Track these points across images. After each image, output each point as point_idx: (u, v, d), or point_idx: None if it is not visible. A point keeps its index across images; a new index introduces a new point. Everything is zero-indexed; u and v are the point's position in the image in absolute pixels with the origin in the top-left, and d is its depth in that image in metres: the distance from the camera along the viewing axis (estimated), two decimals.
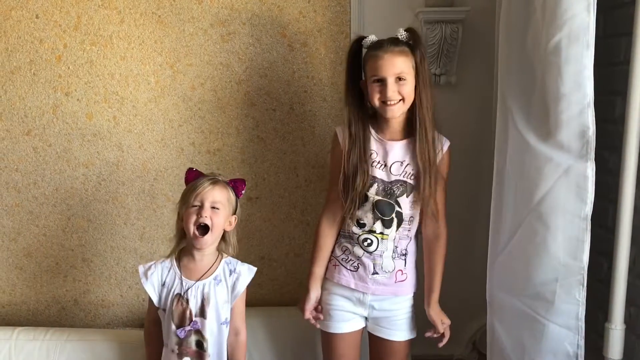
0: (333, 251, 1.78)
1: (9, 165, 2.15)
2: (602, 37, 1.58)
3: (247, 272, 1.72)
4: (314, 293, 1.78)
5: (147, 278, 1.68)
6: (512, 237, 1.62)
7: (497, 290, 1.71)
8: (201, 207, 1.63)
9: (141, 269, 1.71)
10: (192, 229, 1.63)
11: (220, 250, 1.73)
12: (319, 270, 1.78)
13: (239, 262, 1.74)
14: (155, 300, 1.69)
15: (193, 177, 1.71)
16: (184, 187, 2.16)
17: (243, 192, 1.75)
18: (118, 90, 2.11)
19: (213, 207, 1.64)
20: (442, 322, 1.77)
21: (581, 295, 1.50)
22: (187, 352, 1.67)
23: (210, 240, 1.65)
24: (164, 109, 2.12)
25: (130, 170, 2.16)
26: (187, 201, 1.66)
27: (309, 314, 1.78)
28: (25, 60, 2.09)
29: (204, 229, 1.63)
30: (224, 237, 1.72)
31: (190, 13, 2.07)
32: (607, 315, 1.59)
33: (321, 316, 1.78)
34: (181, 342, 1.66)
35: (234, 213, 1.71)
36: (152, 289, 1.68)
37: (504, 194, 1.65)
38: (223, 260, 1.72)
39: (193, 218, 1.63)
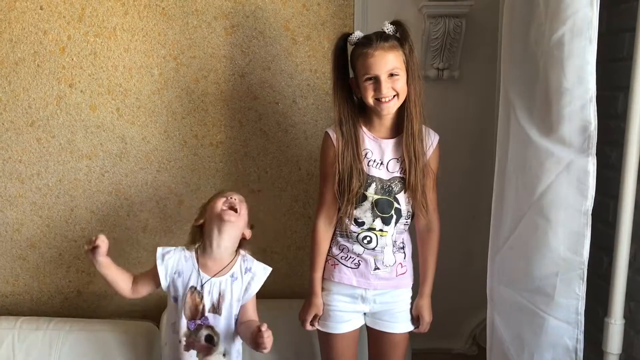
0: (330, 250, 1.77)
1: (12, 156, 2.16)
2: (605, 33, 1.58)
3: (262, 273, 1.74)
4: (320, 300, 1.77)
5: (162, 260, 1.70)
6: (513, 231, 1.62)
7: (497, 284, 1.71)
8: (228, 198, 1.68)
9: (160, 250, 1.72)
10: (219, 206, 1.65)
11: (238, 249, 1.74)
12: (320, 275, 1.78)
13: (255, 260, 1.76)
14: (164, 285, 1.70)
15: None
16: (186, 179, 2.18)
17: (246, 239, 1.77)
18: (122, 82, 2.11)
19: (240, 201, 1.69)
20: (424, 317, 1.78)
21: (581, 289, 1.51)
22: (194, 345, 1.67)
23: (235, 219, 1.65)
24: (167, 101, 2.13)
25: (134, 162, 2.17)
26: (213, 199, 1.71)
27: (310, 325, 1.78)
28: (30, 52, 2.09)
29: (233, 209, 1.66)
30: (241, 243, 1.74)
31: (194, 6, 2.07)
32: (606, 310, 1.59)
33: (317, 321, 1.79)
34: (189, 334, 1.67)
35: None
36: (163, 272, 1.69)
37: (505, 188, 1.65)
38: (240, 257, 1.73)
39: (222, 200, 1.67)
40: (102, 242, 1.62)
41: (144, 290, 1.74)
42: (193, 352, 1.67)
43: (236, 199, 1.69)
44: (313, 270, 1.77)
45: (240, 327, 1.71)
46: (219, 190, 1.82)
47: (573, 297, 1.52)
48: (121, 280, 1.71)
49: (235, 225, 1.67)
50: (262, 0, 2.07)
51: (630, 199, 1.52)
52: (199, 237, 1.72)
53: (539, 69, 1.50)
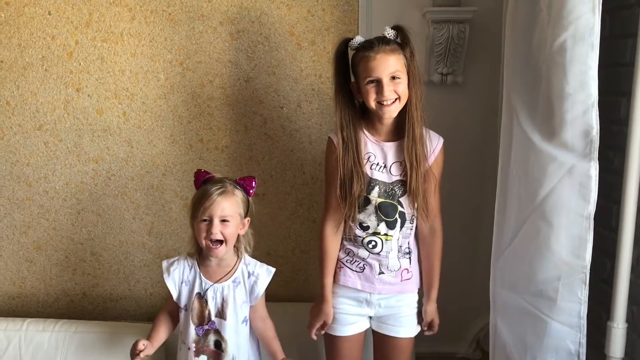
0: None
1: (20, 159, 2.19)
2: (607, 38, 1.58)
3: (265, 274, 1.73)
4: (331, 307, 1.75)
5: (169, 274, 1.71)
6: (515, 235, 1.62)
7: (500, 287, 1.72)
8: (210, 221, 1.61)
9: (165, 263, 1.73)
10: (204, 242, 1.63)
11: (238, 250, 1.72)
12: (330, 280, 1.76)
13: (258, 263, 1.74)
14: (174, 295, 1.71)
15: (202, 178, 1.69)
16: (191, 183, 2.19)
17: (253, 190, 1.71)
18: (128, 86, 2.14)
19: (223, 221, 1.62)
20: (435, 321, 1.79)
21: (583, 293, 1.51)
22: (204, 350, 1.68)
23: (224, 250, 1.65)
24: (174, 105, 2.15)
25: (140, 166, 2.19)
26: (196, 215, 1.63)
27: (315, 335, 1.79)
28: (38, 56, 2.12)
29: (218, 242, 1.63)
30: (238, 238, 1.71)
31: (200, 11, 2.09)
32: (609, 314, 1.59)
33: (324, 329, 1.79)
34: (199, 340, 1.68)
35: (246, 215, 1.69)
36: (172, 285, 1.70)
37: (508, 193, 1.65)
38: (242, 262, 1.72)
39: (203, 234, 1.62)
40: (145, 348, 1.62)
41: (174, 310, 1.75)
42: (203, 357, 1.68)
43: (217, 231, 1.61)
44: (323, 276, 1.76)
45: (256, 332, 1.75)
46: (197, 194, 1.67)
47: (575, 301, 1.52)
48: (169, 329, 1.76)
49: (225, 253, 1.67)
50: (267, 5, 2.09)
51: (633, 203, 1.52)
52: (199, 247, 1.70)
53: (542, 74, 1.50)
